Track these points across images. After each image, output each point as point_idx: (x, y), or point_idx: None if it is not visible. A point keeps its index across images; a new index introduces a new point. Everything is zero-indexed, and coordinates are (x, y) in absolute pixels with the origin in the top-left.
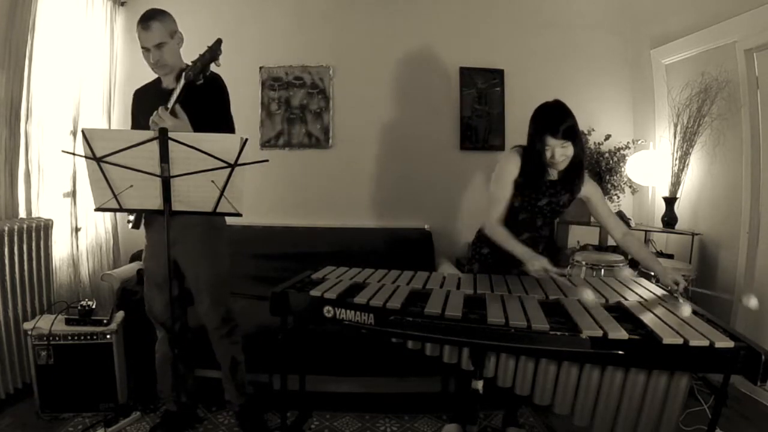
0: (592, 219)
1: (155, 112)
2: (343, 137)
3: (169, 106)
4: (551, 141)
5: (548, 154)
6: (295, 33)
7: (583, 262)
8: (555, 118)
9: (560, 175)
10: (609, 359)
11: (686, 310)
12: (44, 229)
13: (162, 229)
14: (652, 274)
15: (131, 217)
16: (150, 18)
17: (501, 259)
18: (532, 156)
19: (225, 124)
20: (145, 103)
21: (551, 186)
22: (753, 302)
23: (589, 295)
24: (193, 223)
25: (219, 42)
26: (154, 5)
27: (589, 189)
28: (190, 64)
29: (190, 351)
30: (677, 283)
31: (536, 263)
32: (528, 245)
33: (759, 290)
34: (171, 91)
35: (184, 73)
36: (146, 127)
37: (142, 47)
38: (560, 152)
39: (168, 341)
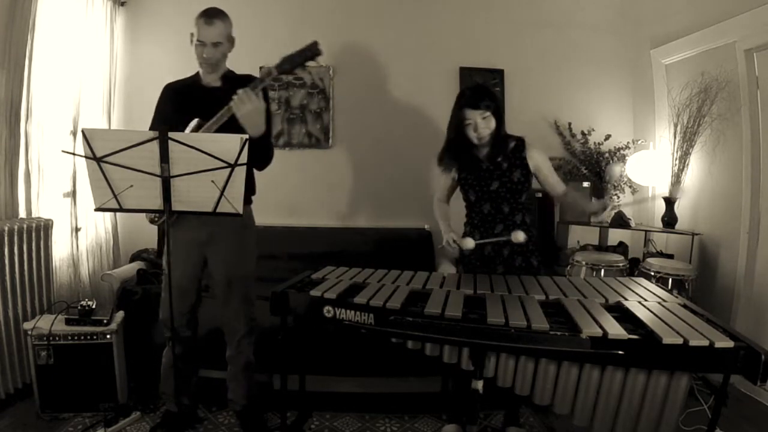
0: (592, 219)
1: (241, 90)
2: (343, 137)
3: (255, 89)
4: (470, 113)
5: (471, 128)
6: (295, 33)
7: (583, 262)
8: (473, 94)
9: (489, 151)
10: (609, 359)
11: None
12: (44, 229)
13: (192, 229)
14: (652, 273)
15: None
16: (215, 15)
17: (481, 258)
18: (457, 139)
19: (270, 132)
20: (183, 98)
21: (493, 168)
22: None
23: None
24: (228, 221)
25: (315, 44)
26: (155, 6)
27: (536, 158)
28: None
29: (199, 353)
30: (604, 207)
31: (446, 236)
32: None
33: (759, 290)
34: (213, 89)
35: (282, 63)
36: (176, 122)
37: (199, 41)
38: (482, 124)
39: (173, 342)
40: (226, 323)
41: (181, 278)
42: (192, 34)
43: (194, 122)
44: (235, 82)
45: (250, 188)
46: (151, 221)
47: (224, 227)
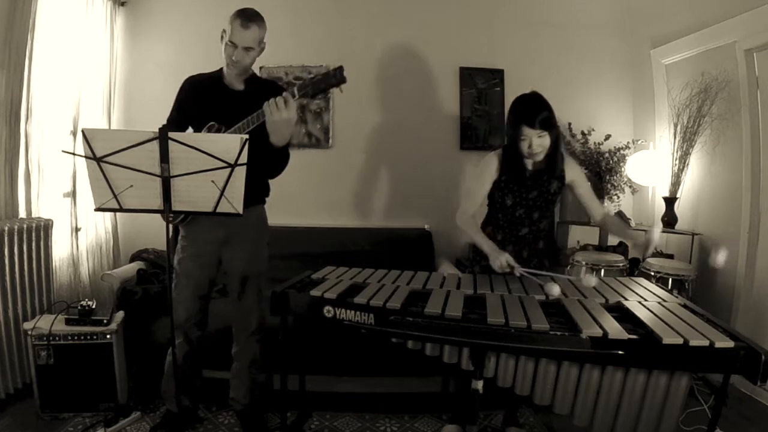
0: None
1: (279, 98)
2: (343, 137)
3: (295, 96)
4: (527, 131)
5: (525, 144)
6: (295, 33)
7: (583, 262)
8: (531, 109)
9: (538, 165)
10: (609, 359)
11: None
12: (44, 229)
13: (210, 229)
14: (652, 273)
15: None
16: (252, 19)
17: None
18: (511, 147)
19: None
20: (204, 96)
21: (536, 176)
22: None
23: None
24: (248, 222)
25: (340, 69)
26: (155, 6)
27: (573, 173)
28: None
29: (204, 353)
30: (647, 245)
31: (500, 258)
32: (528, 241)
33: (759, 290)
34: (236, 92)
35: (303, 86)
36: (196, 115)
37: (230, 41)
38: (537, 142)
39: (185, 342)
40: (237, 320)
41: (198, 277)
42: (224, 32)
43: (208, 128)
44: (259, 87)
45: (264, 189)
46: (167, 220)
47: (243, 227)
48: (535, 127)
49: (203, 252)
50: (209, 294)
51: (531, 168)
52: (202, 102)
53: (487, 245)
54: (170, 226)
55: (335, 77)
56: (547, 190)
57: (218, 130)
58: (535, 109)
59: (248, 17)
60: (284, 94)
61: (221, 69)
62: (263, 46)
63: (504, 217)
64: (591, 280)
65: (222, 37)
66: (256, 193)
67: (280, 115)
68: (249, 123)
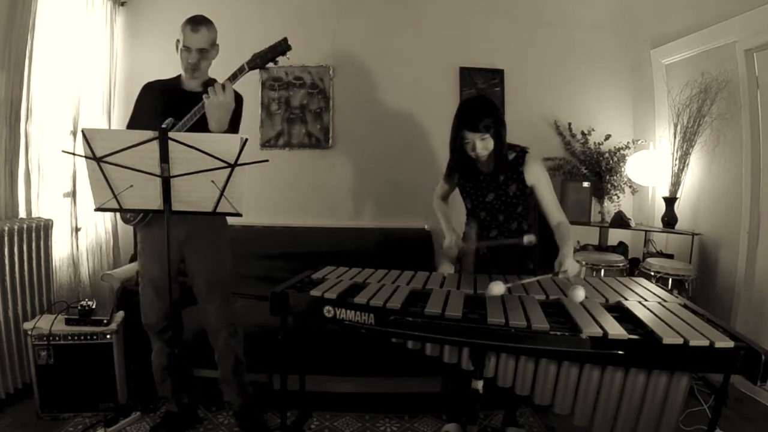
0: (592, 219)
1: (217, 83)
2: (343, 137)
3: (245, 69)
4: (470, 135)
5: (469, 147)
6: (295, 33)
7: (583, 262)
8: (472, 114)
9: (488, 168)
10: (609, 359)
11: (578, 294)
12: (44, 229)
13: (171, 228)
14: (652, 273)
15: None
16: (200, 23)
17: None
18: (456, 151)
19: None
20: (160, 99)
21: (491, 179)
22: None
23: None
24: (207, 222)
25: (284, 40)
26: (155, 4)
27: (533, 177)
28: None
29: (191, 351)
30: (564, 270)
31: (447, 239)
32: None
33: (759, 290)
34: (193, 93)
35: (254, 58)
36: (152, 121)
37: (185, 46)
38: (480, 145)
39: (166, 345)
40: (207, 324)
41: (159, 278)
42: (178, 41)
43: (168, 121)
44: None
45: None
46: (126, 221)
47: (201, 225)
48: (476, 131)
49: (160, 251)
50: (173, 295)
51: (485, 170)
52: (161, 104)
53: (444, 225)
54: (167, 227)
55: (281, 46)
56: (505, 192)
57: (174, 125)
58: (475, 114)
59: (197, 21)
60: (224, 81)
61: (179, 75)
62: (217, 47)
63: (472, 219)
64: (579, 294)
65: (177, 46)
66: None
67: (217, 98)
68: (195, 114)
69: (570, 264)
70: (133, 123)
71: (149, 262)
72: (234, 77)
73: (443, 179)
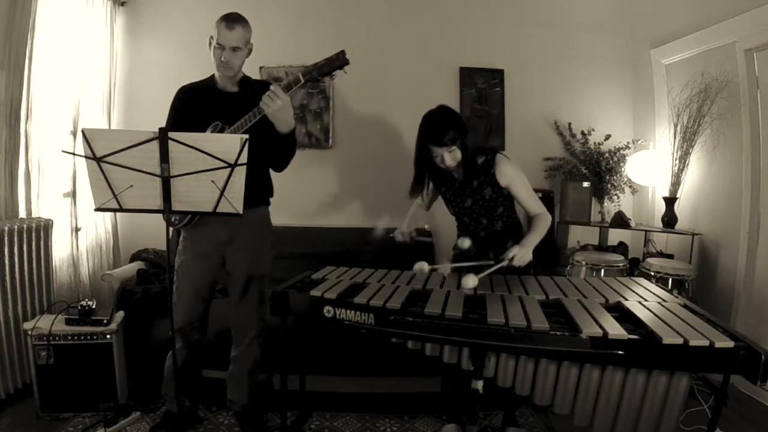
0: (592, 219)
1: (269, 92)
2: (343, 137)
3: (300, 81)
4: (436, 150)
5: (438, 160)
6: (295, 33)
7: (583, 262)
8: (435, 128)
9: (460, 174)
10: (609, 359)
11: (468, 282)
12: (44, 229)
13: (214, 230)
14: (652, 273)
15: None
16: (236, 21)
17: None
18: (425, 165)
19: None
20: (198, 101)
21: (466, 186)
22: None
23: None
24: (251, 222)
25: (342, 53)
26: (156, 5)
27: (505, 177)
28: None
29: (206, 353)
30: (511, 258)
31: (399, 228)
32: (490, 243)
33: (759, 290)
34: (230, 94)
35: (310, 70)
36: (190, 123)
37: (218, 44)
38: (448, 157)
39: (185, 347)
40: (238, 322)
41: (200, 278)
42: (211, 37)
43: (215, 125)
44: (253, 87)
45: (267, 190)
46: (170, 224)
47: (246, 228)
48: (442, 145)
49: (207, 252)
50: (211, 296)
51: (458, 177)
52: (200, 107)
53: (407, 219)
54: (167, 226)
55: (338, 60)
56: (481, 196)
57: (221, 130)
58: (439, 128)
59: (232, 19)
60: (271, 87)
61: (213, 75)
62: (250, 47)
63: (459, 223)
64: (468, 282)
65: (210, 43)
66: (260, 193)
67: (276, 105)
68: (248, 120)
69: (519, 251)
70: (171, 126)
71: (191, 263)
72: (288, 87)
73: (410, 198)
